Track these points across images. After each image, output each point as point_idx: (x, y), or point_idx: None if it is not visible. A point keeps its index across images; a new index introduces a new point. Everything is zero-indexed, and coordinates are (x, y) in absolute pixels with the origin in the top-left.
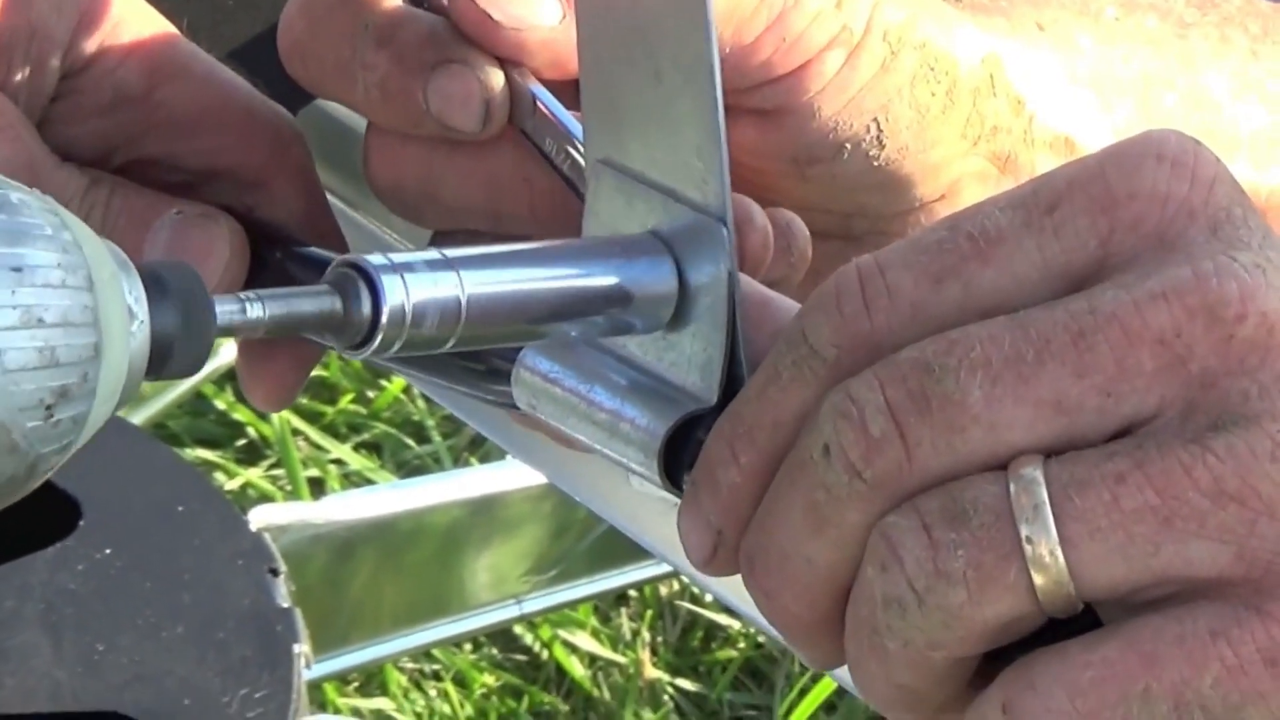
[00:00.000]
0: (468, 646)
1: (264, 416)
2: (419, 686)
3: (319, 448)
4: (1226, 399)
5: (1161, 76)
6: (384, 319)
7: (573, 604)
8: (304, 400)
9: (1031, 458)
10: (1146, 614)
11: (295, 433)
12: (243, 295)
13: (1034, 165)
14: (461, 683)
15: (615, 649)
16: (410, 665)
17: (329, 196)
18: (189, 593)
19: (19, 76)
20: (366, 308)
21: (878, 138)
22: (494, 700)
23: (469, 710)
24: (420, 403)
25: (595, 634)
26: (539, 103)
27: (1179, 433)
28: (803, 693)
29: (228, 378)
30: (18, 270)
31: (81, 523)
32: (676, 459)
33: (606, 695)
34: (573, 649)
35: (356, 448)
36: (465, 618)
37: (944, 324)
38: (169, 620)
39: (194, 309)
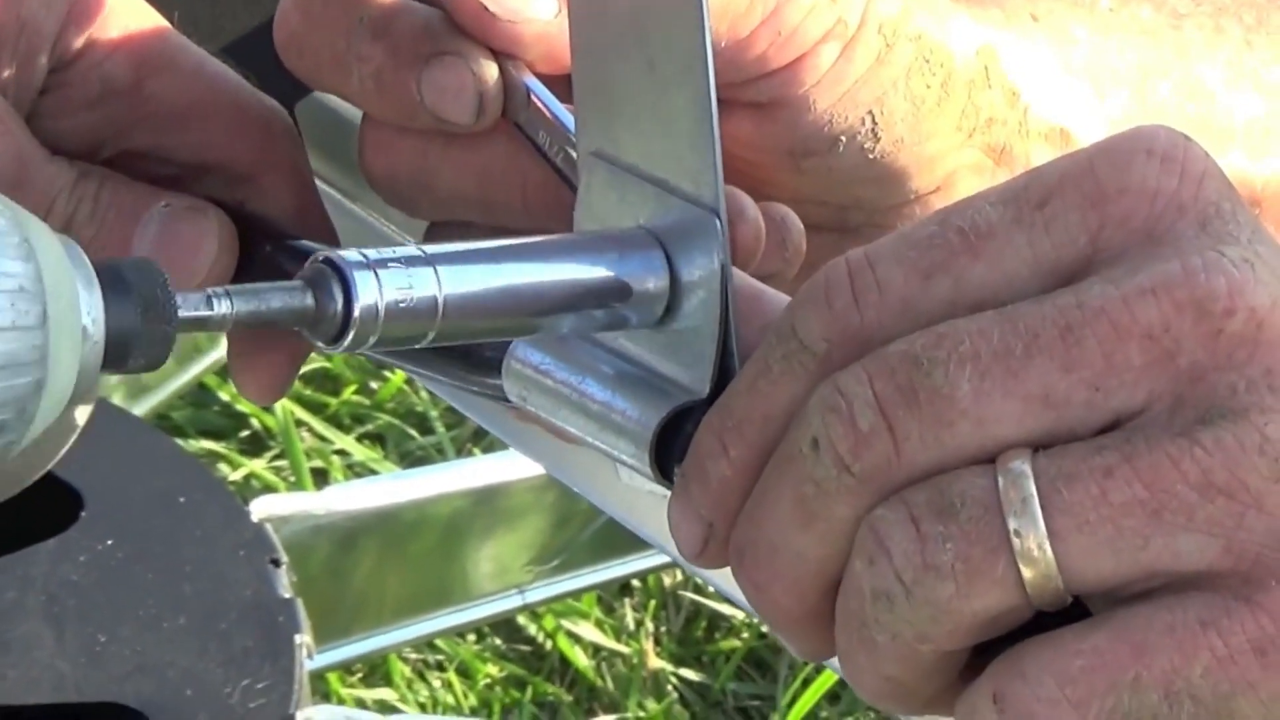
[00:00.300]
0: (471, 637)
1: (268, 408)
2: (422, 677)
3: (323, 439)
4: (1214, 393)
5: (1156, 67)
6: (356, 314)
7: (576, 594)
8: (308, 391)
9: (1020, 451)
10: (1137, 604)
11: (299, 424)
12: (210, 291)
13: (1029, 157)
14: (465, 673)
15: (619, 639)
16: (414, 655)
17: (326, 188)
18: (191, 583)
19: (8, 71)
20: (339, 304)
21: (873, 130)
22: (498, 690)
23: (473, 700)
24: (424, 394)
25: (599, 624)
26: (533, 95)
27: (1167, 427)
28: (806, 682)
29: None
30: None
31: (83, 514)
32: (667, 451)
33: (610, 685)
34: (576, 639)
35: (360, 439)
36: (469, 608)
37: (933, 319)
38: (171, 611)
39: (154, 306)
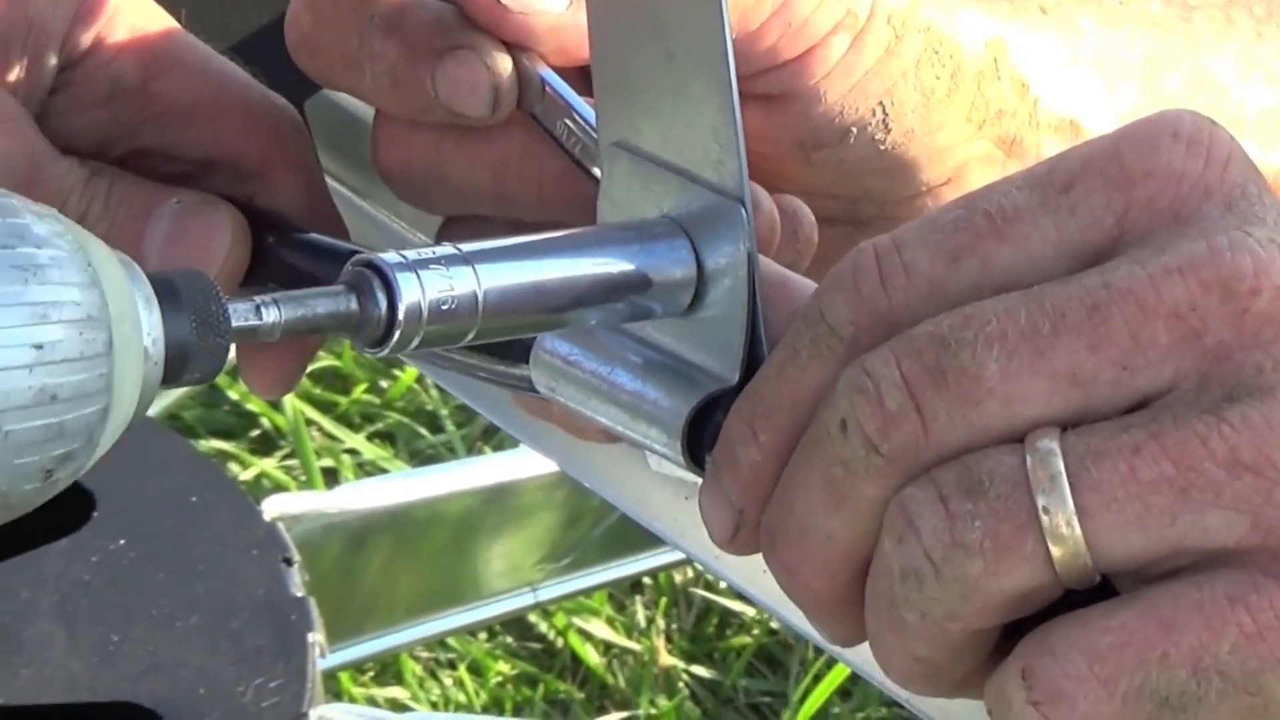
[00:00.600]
0: (482, 635)
1: (278, 407)
2: (434, 675)
3: (333, 438)
4: (1241, 371)
5: (1166, 59)
6: (400, 317)
7: (587, 592)
8: (318, 390)
9: (1048, 430)
10: (1165, 582)
11: (309, 423)
12: (258, 299)
13: (1039, 148)
14: (477, 671)
15: (630, 636)
16: (425, 654)
17: (337, 185)
18: (203, 583)
19: (17, 70)
20: (383, 307)
21: (883, 122)
22: (509, 688)
23: (484, 698)
24: (434, 392)
25: (610, 622)
26: (548, 87)
27: (1194, 405)
28: (817, 678)
29: None
30: (38, 348)
31: (95, 514)
32: (698, 439)
33: (621, 683)
34: (587, 637)
35: (370, 437)
36: (480, 606)
37: (960, 301)
38: (183, 610)
39: (208, 319)
